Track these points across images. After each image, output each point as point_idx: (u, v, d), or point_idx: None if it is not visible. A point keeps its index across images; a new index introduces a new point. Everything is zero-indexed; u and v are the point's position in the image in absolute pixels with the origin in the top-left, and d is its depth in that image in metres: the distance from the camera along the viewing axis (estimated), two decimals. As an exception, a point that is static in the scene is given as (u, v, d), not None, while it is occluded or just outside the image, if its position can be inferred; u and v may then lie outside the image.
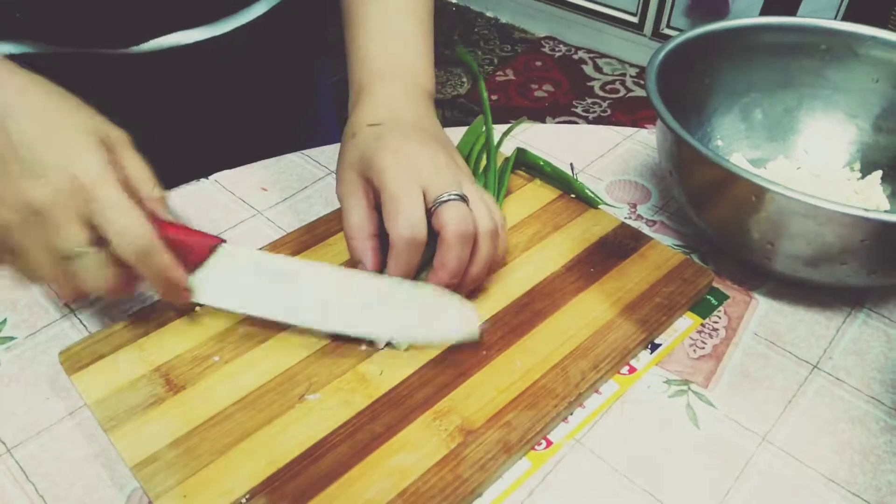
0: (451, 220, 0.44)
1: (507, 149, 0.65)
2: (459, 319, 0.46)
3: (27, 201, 0.40)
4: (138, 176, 0.43)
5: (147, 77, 0.59)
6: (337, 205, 0.58)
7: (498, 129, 0.66)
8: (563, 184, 0.60)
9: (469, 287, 0.48)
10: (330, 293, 0.47)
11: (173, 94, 0.62)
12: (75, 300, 0.46)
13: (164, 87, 0.61)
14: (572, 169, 0.64)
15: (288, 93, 0.73)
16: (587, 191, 0.58)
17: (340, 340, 0.47)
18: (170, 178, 0.58)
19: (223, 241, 0.46)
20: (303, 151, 0.66)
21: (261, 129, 0.69)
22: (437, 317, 0.46)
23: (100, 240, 0.41)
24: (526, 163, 0.61)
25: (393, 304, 0.46)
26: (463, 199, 0.45)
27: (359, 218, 0.47)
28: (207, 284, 0.46)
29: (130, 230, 0.41)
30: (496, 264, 0.49)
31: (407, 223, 0.44)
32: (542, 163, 0.60)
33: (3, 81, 0.42)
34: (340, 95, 0.84)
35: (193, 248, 0.45)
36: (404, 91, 0.52)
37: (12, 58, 0.49)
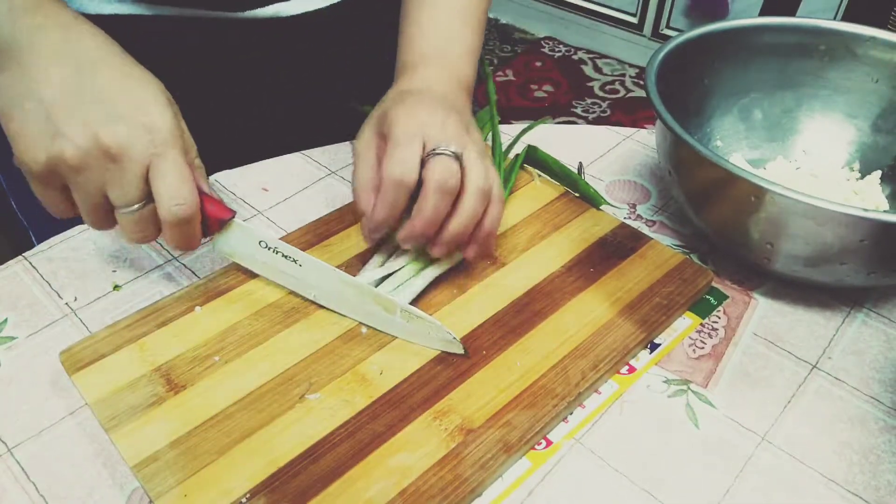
0: (436, 171, 0.45)
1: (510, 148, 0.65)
2: (443, 343, 0.47)
3: (99, 142, 0.41)
4: (189, 142, 0.46)
5: (236, 46, 0.59)
6: (337, 205, 0.59)
7: (503, 128, 0.66)
8: (569, 182, 0.60)
9: (447, 243, 0.48)
10: (329, 287, 0.48)
11: (257, 65, 0.62)
12: (102, 230, 0.48)
13: (251, 57, 0.61)
14: (581, 168, 0.63)
15: (367, 79, 0.72)
16: (593, 190, 0.59)
17: (340, 340, 0.47)
18: (229, 155, 0.58)
19: (234, 213, 0.48)
20: (303, 151, 0.66)
21: (330, 114, 0.69)
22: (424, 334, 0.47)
23: (148, 196, 0.44)
24: (536, 160, 0.62)
25: (385, 317, 0.47)
26: (457, 156, 0.46)
27: (367, 171, 0.48)
28: (223, 246, 0.49)
29: (181, 197, 0.43)
30: (485, 234, 0.48)
31: (399, 165, 0.46)
32: (551, 161, 0.60)
33: (86, 34, 0.44)
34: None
35: (211, 220, 0.47)
36: (438, 75, 0.54)
37: (114, 18, 0.50)
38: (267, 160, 0.65)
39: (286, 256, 0.48)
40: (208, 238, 0.48)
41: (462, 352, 0.46)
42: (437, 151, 0.46)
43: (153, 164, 0.42)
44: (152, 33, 0.54)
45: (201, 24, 0.56)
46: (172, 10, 0.55)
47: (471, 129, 0.50)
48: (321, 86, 0.66)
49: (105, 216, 0.45)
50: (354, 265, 0.52)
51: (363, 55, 0.67)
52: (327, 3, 0.60)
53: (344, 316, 0.48)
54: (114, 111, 0.42)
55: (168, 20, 0.55)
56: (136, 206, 0.43)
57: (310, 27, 0.60)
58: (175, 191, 0.43)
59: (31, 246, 0.56)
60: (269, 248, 0.48)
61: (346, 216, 0.57)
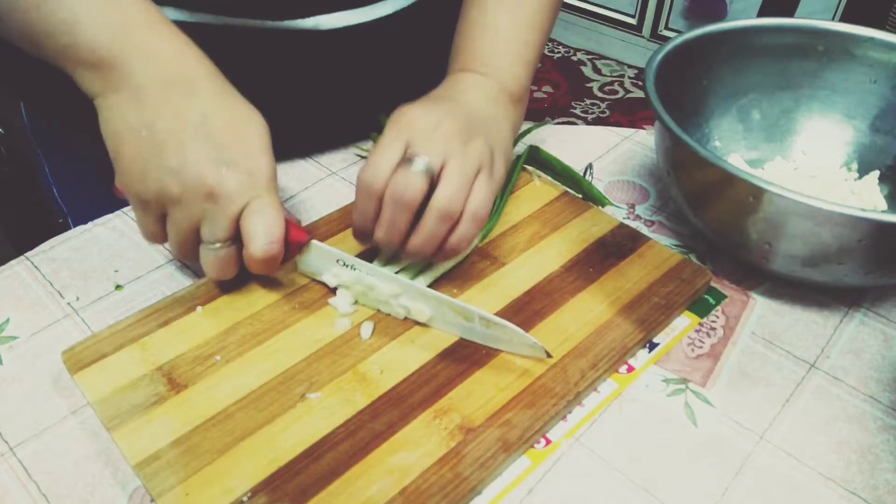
0: (393, 183, 0.45)
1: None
2: (526, 347, 0.46)
3: (204, 182, 0.42)
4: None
5: (270, 56, 0.59)
6: (338, 205, 0.59)
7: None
8: (572, 183, 0.60)
9: (410, 255, 0.47)
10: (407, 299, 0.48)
11: (286, 75, 0.61)
12: (187, 260, 0.51)
13: (282, 67, 0.60)
14: (590, 170, 0.64)
15: (399, 95, 0.71)
16: (596, 190, 0.59)
17: (341, 340, 0.47)
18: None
19: (311, 236, 0.49)
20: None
21: (349, 123, 0.68)
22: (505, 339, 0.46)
23: (235, 235, 0.45)
24: (538, 160, 0.62)
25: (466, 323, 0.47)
26: (428, 170, 0.45)
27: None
28: (305, 267, 0.51)
29: (273, 237, 0.44)
30: (449, 251, 0.47)
31: (370, 170, 0.46)
32: (554, 161, 0.61)
33: (199, 63, 0.45)
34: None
35: (291, 245, 0.48)
36: (480, 83, 0.54)
37: None
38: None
39: (363, 271, 0.48)
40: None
41: (545, 356, 0.45)
42: (406, 162, 0.45)
43: (249, 206, 0.44)
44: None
45: (237, 32, 0.56)
46: (212, 17, 0.55)
47: (477, 140, 0.48)
48: (348, 98, 0.65)
49: (192, 248, 0.46)
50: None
51: (396, 71, 0.67)
52: (367, 19, 0.60)
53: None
54: (222, 153, 0.43)
55: (205, 28, 0.55)
56: (223, 243, 0.45)
57: (346, 41, 0.60)
58: (267, 232, 0.44)
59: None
60: (346, 266, 0.49)
61: (347, 216, 0.57)
